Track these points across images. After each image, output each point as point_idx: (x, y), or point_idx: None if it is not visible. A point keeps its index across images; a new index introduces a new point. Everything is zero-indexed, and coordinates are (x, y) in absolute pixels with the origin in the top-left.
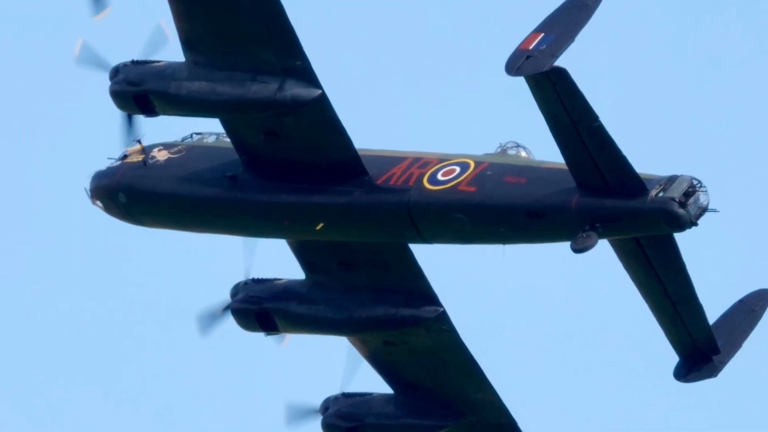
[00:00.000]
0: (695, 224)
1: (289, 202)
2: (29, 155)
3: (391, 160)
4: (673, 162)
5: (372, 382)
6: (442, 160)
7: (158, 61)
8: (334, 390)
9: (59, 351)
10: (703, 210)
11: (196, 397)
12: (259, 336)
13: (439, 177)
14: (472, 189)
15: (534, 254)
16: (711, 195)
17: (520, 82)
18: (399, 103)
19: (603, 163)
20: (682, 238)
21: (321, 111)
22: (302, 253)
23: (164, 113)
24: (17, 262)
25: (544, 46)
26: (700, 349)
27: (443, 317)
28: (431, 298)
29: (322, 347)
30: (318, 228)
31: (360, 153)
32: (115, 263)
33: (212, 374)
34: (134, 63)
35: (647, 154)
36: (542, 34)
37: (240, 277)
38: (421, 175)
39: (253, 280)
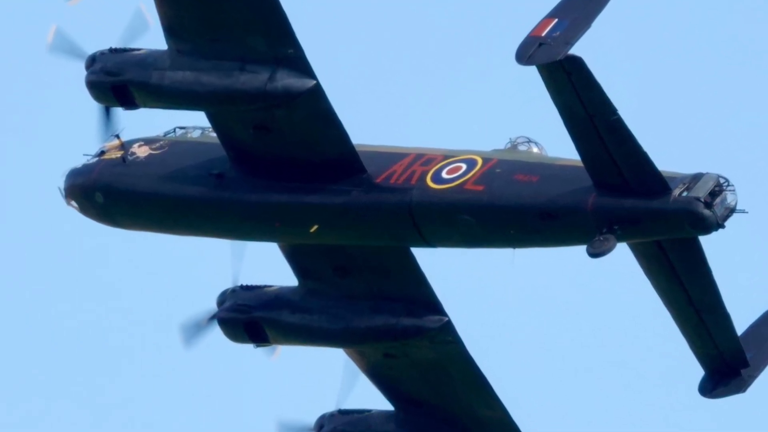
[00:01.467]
0: (722, 226)
1: (280, 203)
2: None
3: (391, 157)
4: (698, 159)
5: (371, 398)
6: (447, 156)
7: (138, 49)
8: (330, 407)
9: (30, 363)
10: (731, 211)
11: (179, 414)
12: (248, 348)
13: (444, 175)
14: (480, 188)
15: (546, 259)
16: (739, 194)
17: (532, 71)
18: (400, 94)
19: (622, 159)
20: (707, 242)
21: (315, 103)
22: (295, 258)
23: (145, 106)
24: None
25: (558, 33)
26: (727, 361)
27: (448, 327)
28: (435, 307)
29: (317, 360)
30: (312, 230)
31: (358, 149)
32: (91, 269)
33: (197, 389)
34: (112, 51)
35: (670, 150)
36: (556, 20)
37: (227, 284)
38: (424, 173)
39: (242, 287)
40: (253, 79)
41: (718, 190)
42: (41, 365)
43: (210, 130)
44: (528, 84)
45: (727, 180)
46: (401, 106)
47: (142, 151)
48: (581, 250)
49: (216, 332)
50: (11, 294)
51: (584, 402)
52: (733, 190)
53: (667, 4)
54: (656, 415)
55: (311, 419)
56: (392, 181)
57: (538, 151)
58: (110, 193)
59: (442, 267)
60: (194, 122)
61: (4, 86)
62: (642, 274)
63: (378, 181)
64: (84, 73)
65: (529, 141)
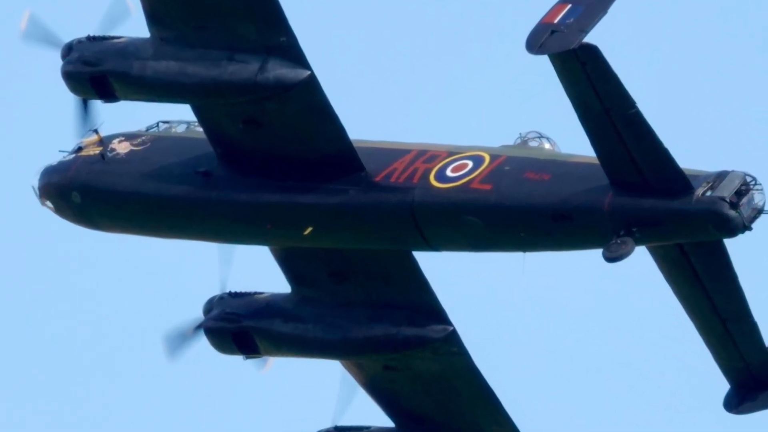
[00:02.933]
0: (749, 228)
1: (272, 203)
2: None
3: (392, 154)
4: (723, 156)
5: (370, 414)
6: (452, 153)
7: (119, 37)
8: (326, 423)
9: (3, 376)
10: (758, 211)
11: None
12: (238, 359)
13: (449, 173)
14: (487, 187)
15: (559, 263)
16: (767, 194)
17: (544, 61)
18: (401, 86)
19: (640, 156)
20: (733, 245)
21: (309, 95)
22: (288, 263)
23: (126, 98)
24: None
25: (572, 20)
26: (754, 375)
27: (453, 337)
28: (439, 315)
29: (312, 373)
30: (306, 233)
31: (355, 145)
32: (67, 274)
33: (182, 405)
34: (90, 39)
35: (692, 146)
36: (569, 6)
37: (215, 291)
38: (428, 171)
39: (230, 294)
40: (243, 69)
41: (744, 189)
42: (16, 378)
43: (196, 124)
44: (539, 75)
45: (754, 178)
46: (402, 99)
47: (122, 148)
48: (597, 253)
49: (202, 343)
50: None
51: (601, 418)
52: (761, 190)
53: None
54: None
55: None
56: (393, 179)
57: (551, 147)
58: (88, 193)
59: (447, 272)
60: (179, 116)
61: None
62: (662, 280)
63: (377, 179)
64: (60, 62)
65: (541, 136)
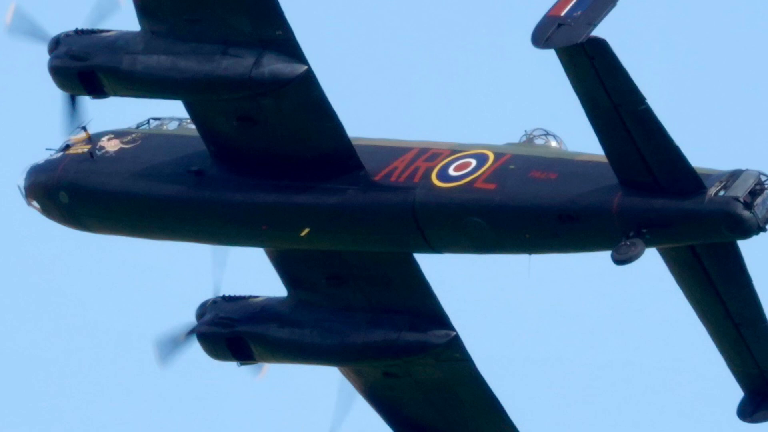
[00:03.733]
0: (763, 229)
1: (267, 203)
2: None
3: (392, 152)
4: (736, 154)
5: (369, 422)
6: (455, 151)
7: (108, 31)
8: None
9: None
10: None
11: None
12: (232, 366)
13: (451, 172)
14: (491, 186)
15: (567, 266)
16: None
17: (551, 56)
18: (402, 81)
19: (651, 154)
20: (747, 247)
21: (306, 91)
22: (284, 265)
23: (115, 94)
24: None
25: (579, 12)
26: None
27: (455, 343)
28: (441, 320)
29: (309, 380)
30: (303, 234)
31: (354, 143)
32: (54, 277)
33: (173, 413)
34: (79, 33)
35: (704, 144)
36: None
37: (208, 295)
38: (429, 170)
39: (224, 297)
40: (237, 64)
41: (758, 188)
42: (7, 382)
43: (188, 121)
44: (546, 70)
45: None
46: (403, 95)
47: (111, 145)
48: (605, 256)
49: (195, 348)
50: None
51: (609, 427)
52: None
53: None
54: None
55: None
56: (393, 178)
57: (557, 145)
58: (76, 193)
59: (449, 275)
60: (170, 113)
61: None
62: (674, 283)
63: (377, 178)
64: (47, 57)
65: (547, 134)
